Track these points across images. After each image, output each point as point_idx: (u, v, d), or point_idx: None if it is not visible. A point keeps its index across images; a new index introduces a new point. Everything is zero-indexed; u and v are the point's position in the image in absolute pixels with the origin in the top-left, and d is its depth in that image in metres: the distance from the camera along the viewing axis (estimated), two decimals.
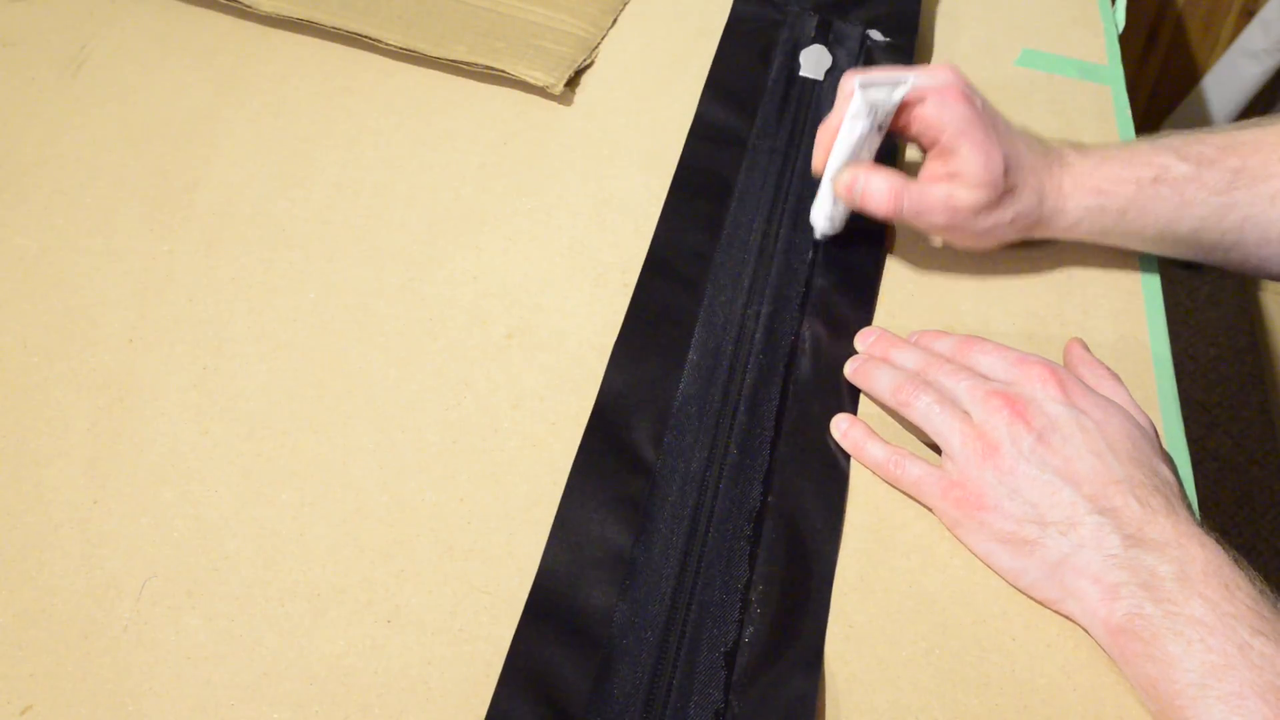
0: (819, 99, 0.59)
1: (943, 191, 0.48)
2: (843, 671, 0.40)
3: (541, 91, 0.59)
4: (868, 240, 0.53)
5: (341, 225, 0.53)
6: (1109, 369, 0.46)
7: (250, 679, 0.38)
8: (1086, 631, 0.40)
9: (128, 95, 0.59)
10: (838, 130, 0.48)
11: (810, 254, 0.52)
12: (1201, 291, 1.53)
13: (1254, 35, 1.26)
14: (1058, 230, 0.50)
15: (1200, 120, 1.34)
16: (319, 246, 0.52)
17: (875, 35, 0.62)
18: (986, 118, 0.48)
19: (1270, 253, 0.49)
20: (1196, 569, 0.37)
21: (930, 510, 0.44)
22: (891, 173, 0.48)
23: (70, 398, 0.46)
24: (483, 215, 0.54)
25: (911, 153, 0.58)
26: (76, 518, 0.42)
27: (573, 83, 0.60)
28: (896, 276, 0.52)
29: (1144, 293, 0.53)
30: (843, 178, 0.49)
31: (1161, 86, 1.39)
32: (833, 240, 0.52)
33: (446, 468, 0.44)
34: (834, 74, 0.60)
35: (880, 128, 0.48)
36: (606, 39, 0.64)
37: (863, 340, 0.49)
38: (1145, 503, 0.39)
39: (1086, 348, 0.47)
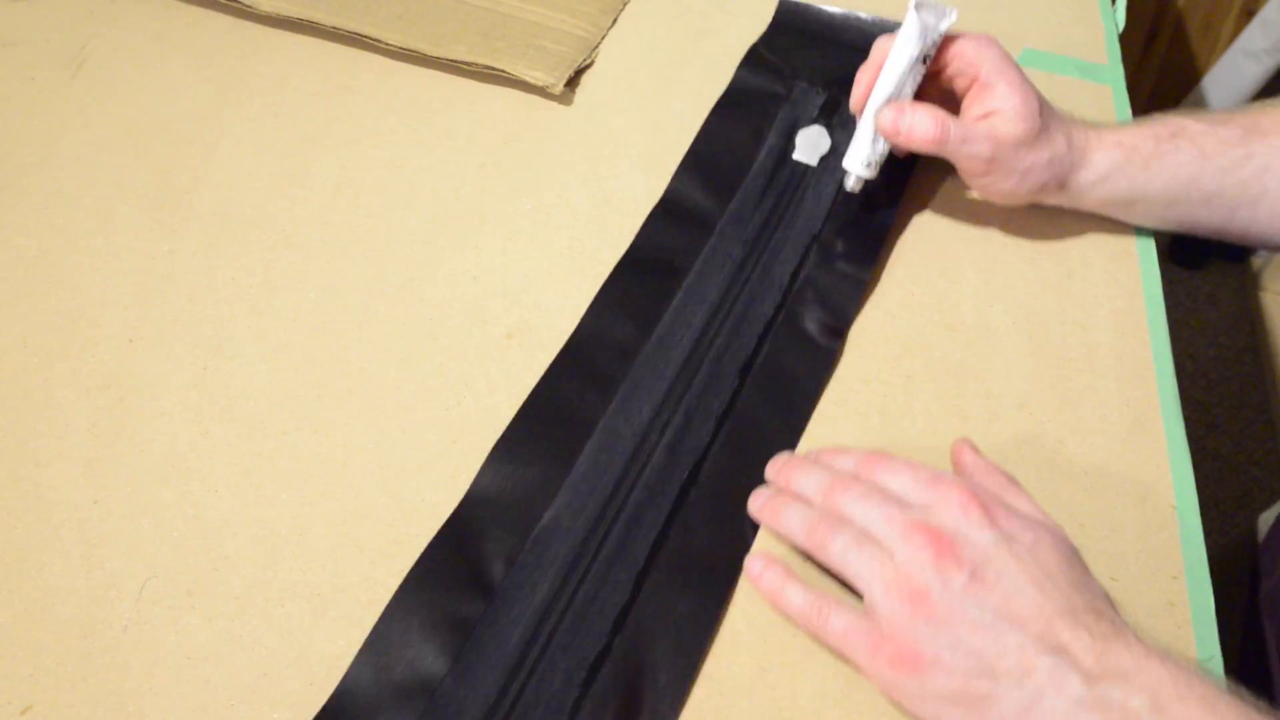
0: (808, 188, 0.54)
1: (986, 125, 0.49)
2: None
3: (541, 91, 0.59)
4: (813, 355, 0.47)
5: (341, 225, 0.53)
6: (1006, 474, 0.42)
7: (250, 679, 0.38)
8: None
9: (128, 95, 0.59)
10: (879, 67, 0.49)
11: (750, 353, 0.47)
12: (1201, 291, 1.53)
13: (1254, 35, 1.26)
14: (1085, 185, 0.51)
15: None
16: (319, 246, 0.52)
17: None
18: (1016, 64, 0.50)
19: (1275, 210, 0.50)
20: (1168, 692, 0.33)
21: (859, 671, 0.38)
22: (934, 106, 0.48)
23: (70, 398, 0.46)
24: (483, 215, 0.54)
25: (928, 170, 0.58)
26: (76, 518, 0.42)
27: (573, 83, 0.60)
28: (895, 278, 0.52)
29: (1144, 293, 0.53)
30: (886, 113, 0.48)
31: (1161, 86, 1.39)
32: (780, 342, 0.48)
33: (446, 468, 0.44)
34: (831, 160, 0.55)
35: (925, 59, 0.49)
36: (606, 39, 0.64)
37: (772, 468, 0.44)
38: (1093, 631, 0.35)
39: (977, 449, 0.44)
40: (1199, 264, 1.57)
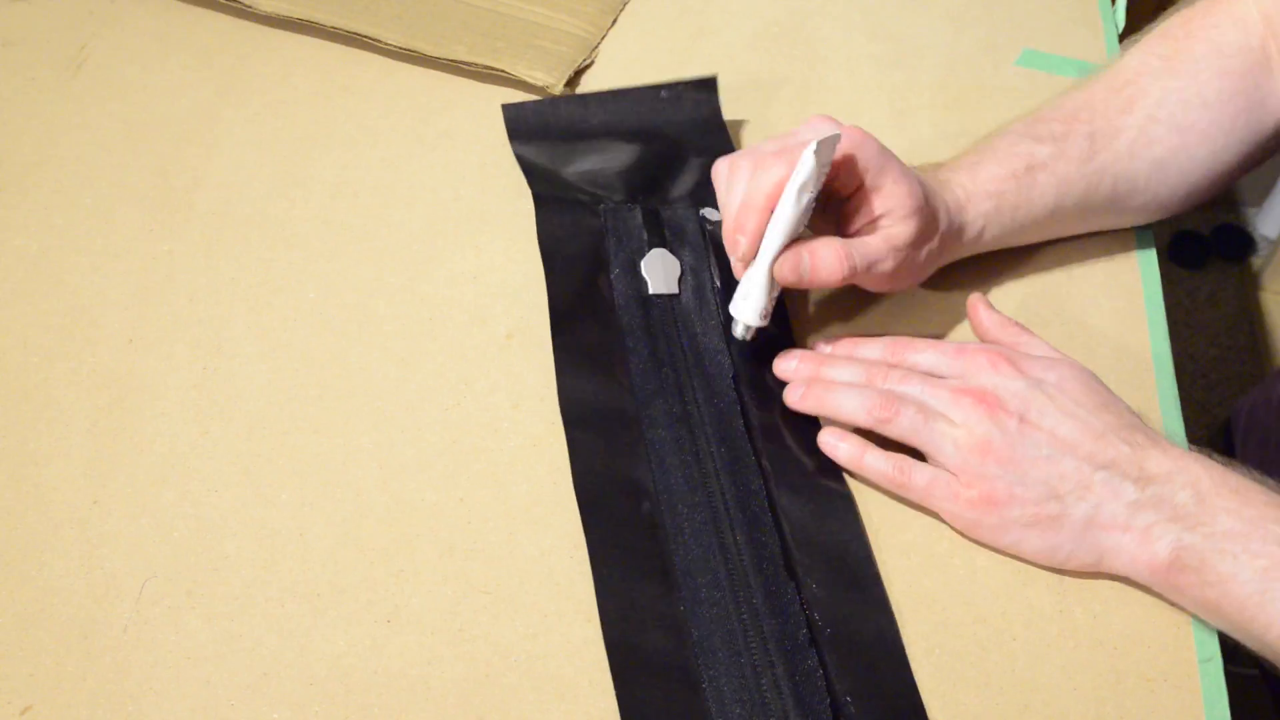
0: (684, 317, 0.49)
1: (881, 237, 0.46)
2: None
3: (541, 91, 0.59)
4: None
5: (341, 225, 0.53)
6: (1016, 322, 0.47)
7: (250, 679, 0.38)
8: (1131, 581, 0.41)
9: (128, 95, 0.59)
10: (765, 208, 0.44)
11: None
12: (1201, 291, 1.53)
13: None
14: (968, 243, 0.50)
15: None
16: (319, 246, 0.52)
17: (712, 214, 0.52)
18: (888, 150, 0.46)
19: (1145, 199, 0.52)
20: (1207, 484, 0.40)
21: (941, 515, 0.43)
22: (830, 239, 0.45)
23: (70, 398, 0.46)
24: (483, 215, 0.54)
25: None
26: (76, 518, 0.42)
27: (573, 83, 0.60)
28: None
29: (1144, 293, 0.53)
30: (785, 260, 0.44)
31: None
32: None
33: (446, 468, 0.44)
34: (689, 280, 0.50)
35: (817, 194, 0.44)
36: (606, 39, 0.64)
37: (787, 365, 0.47)
38: (1132, 442, 0.41)
39: (989, 304, 0.48)
40: (1199, 264, 1.57)
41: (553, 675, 0.39)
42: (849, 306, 0.51)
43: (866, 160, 0.45)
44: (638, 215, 0.52)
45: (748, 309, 0.46)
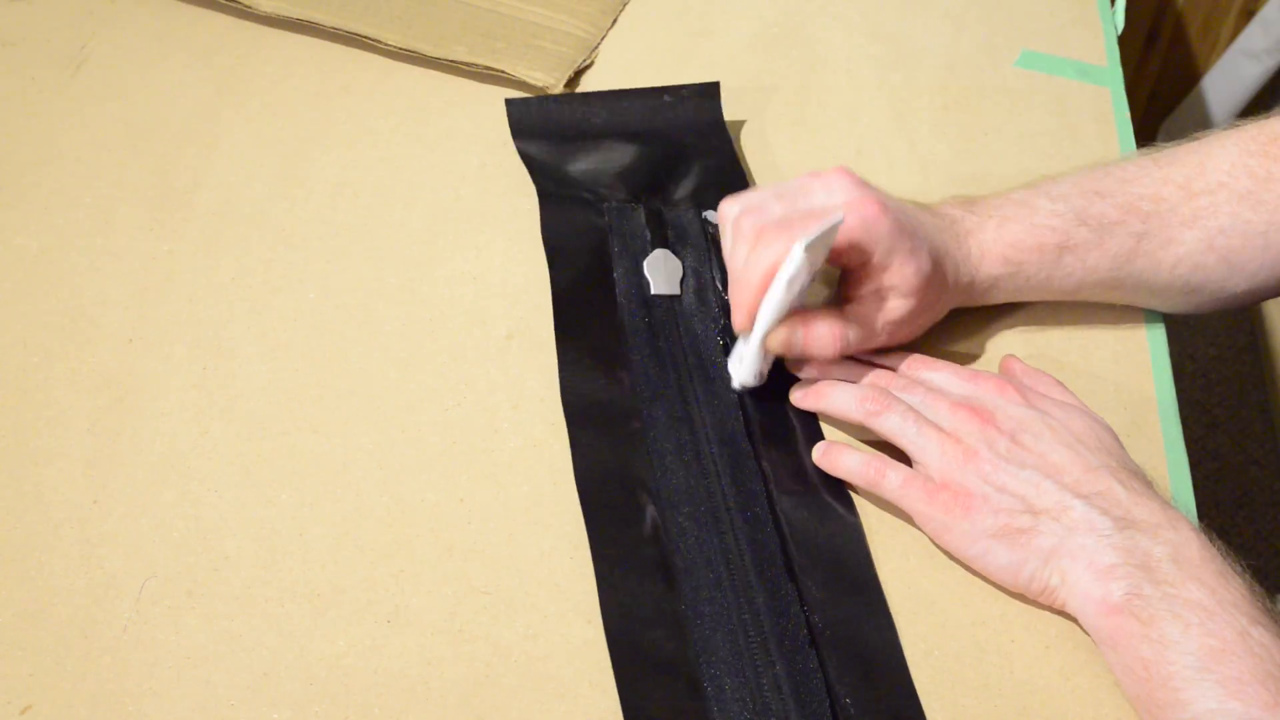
0: (686, 319, 0.49)
1: (881, 313, 0.45)
2: None
3: (541, 92, 0.59)
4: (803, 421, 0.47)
5: (341, 225, 0.53)
6: (1051, 376, 0.46)
7: (250, 679, 0.38)
8: (1076, 620, 0.40)
9: (128, 95, 0.59)
10: (760, 287, 0.43)
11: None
12: None
13: (1254, 35, 1.26)
14: (975, 297, 0.49)
15: (1200, 122, 1.34)
16: (319, 246, 0.52)
17: (713, 217, 0.52)
18: (901, 217, 0.44)
19: (1163, 302, 0.50)
20: (1191, 552, 0.37)
21: (913, 516, 0.42)
22: (826, 313, 0.45)
23: (70, 398, 0.46)
24: (483, 215, 0.54)
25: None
26: (76, 518, 0.42)
27: (572, 83, 0.60)
28: None
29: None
30: (778, 334, 0.44)
31: (1161, 87, 1.39)
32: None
33: (446, 468, 0.44)
34: (691, 282, 0.50)
35: (812, 277, 0.44)
36: (606, 39, 0.64)
37: (800, 367, 0.47)
38: (1127, 485, 0.39)
39: (1022, 363, 0.47)
40: None
41: (553, 675, 0.39)
42: None
43: (876, 241, 0.44)
44: (641, 215, 0.52)
45: (743, 371, 0.46)
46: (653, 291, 0.49)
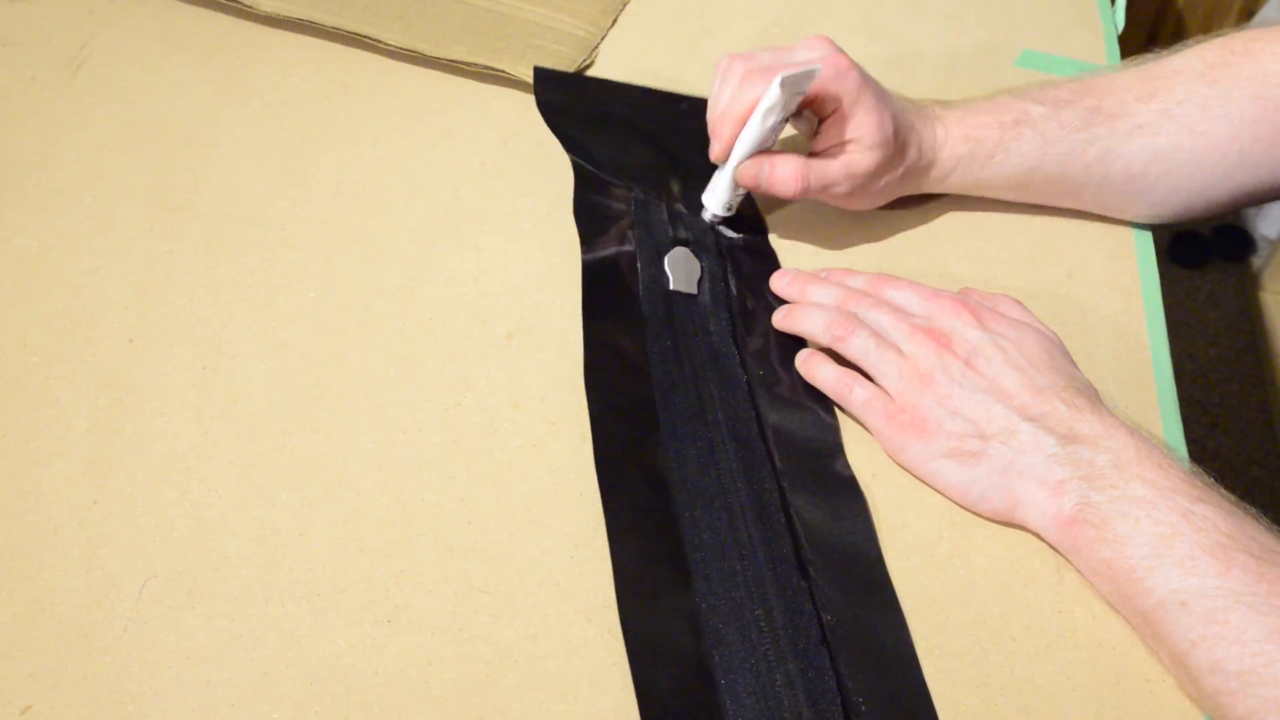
0: (702, 318, 0.49)
1: (842, 162, 0.50)
2: None
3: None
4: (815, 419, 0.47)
5: (341, 225, 0.53)
6: (1009, 296, 0.48)
7: (250, 679, 0.38)
8: (1039, 536, 0.43)
9: (128, 95, 0.59)
10: (739, 119, 0.49)
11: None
12: (1201, 291, 1.53)
13: None
14: (933, 181, 0.53)
15: None
16: (319, 246, 0.52)
17: (728, 233, 0.54)
18: (872, 81, 0.50)
19: (1136, 188, 0.52)
20: (1130, 454, 0.40)
21: (872, 434, 0.46)
22: (793, 155, 0.50)
23: (70, 398, 0.46)
24: (483, 215, 0.54)
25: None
26: (76, 518, 0.42)
27: None
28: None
29: (1144, 293, 0.53)
30: (747, 166, 0.50)
31: None
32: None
33: (446, 468, 0.44)
34: (707, 285, 0.51)
35: (786, 119, 0.49)
36: (606, 39, 0.64)
37: (779, 281, 0.50)
38: (1071, 404, 0.42)
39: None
40: (1199, 264, 1.57)
41: (553, 675, 0.39)
42: (840, 233, 0.54)
43: (844, 90, 0.49)
44: (664, 212, 0.54)
45: (714, 200, 0.52)
46: (671, 287, 0.51)
